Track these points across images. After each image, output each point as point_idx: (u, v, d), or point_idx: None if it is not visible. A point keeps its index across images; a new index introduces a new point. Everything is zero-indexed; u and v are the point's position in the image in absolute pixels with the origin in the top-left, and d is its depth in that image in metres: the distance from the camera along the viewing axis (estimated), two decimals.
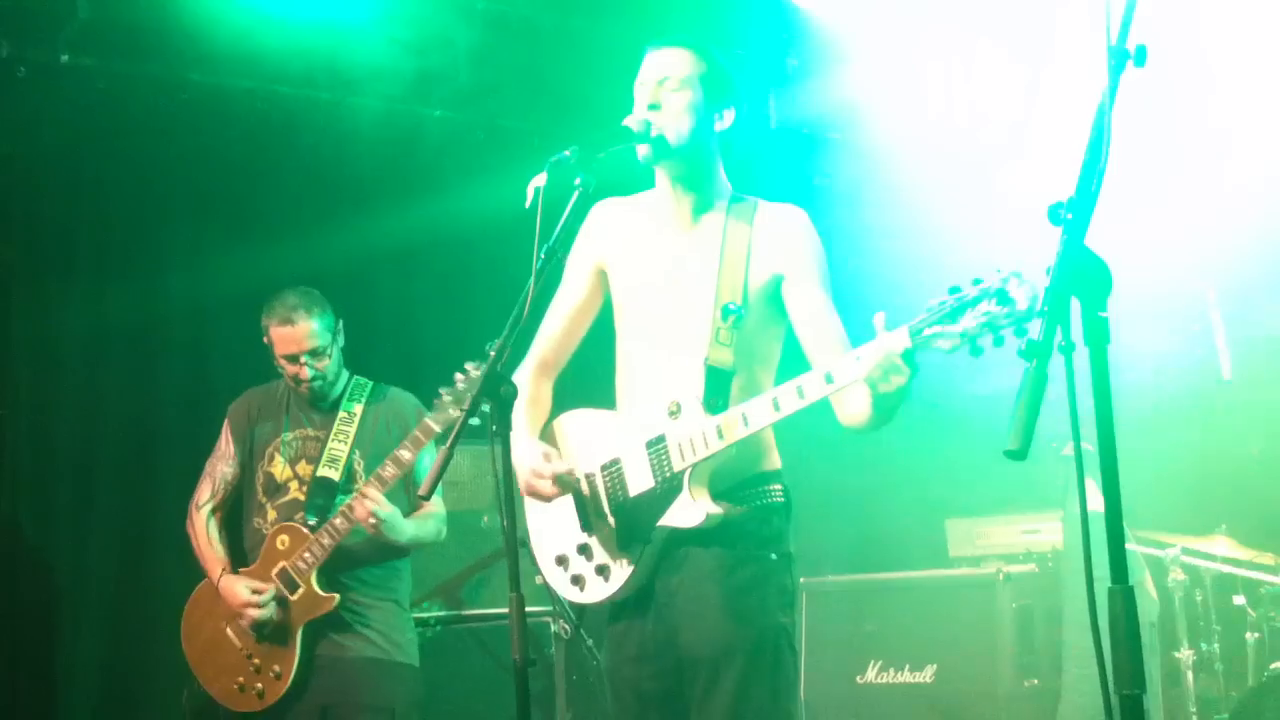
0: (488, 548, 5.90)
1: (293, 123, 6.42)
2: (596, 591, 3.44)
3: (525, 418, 3.58)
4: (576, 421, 3.60)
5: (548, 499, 3.43)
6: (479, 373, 4.45)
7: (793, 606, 3.44)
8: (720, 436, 3.22)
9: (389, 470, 4.71)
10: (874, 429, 3.22)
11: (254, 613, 4.80)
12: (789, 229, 3.45)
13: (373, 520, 4.67)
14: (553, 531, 3.56)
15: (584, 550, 3.47)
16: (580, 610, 3.60)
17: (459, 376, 4.63)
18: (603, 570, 3.43)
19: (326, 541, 4.75)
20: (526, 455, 3.44)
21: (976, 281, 2.76)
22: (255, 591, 4.81)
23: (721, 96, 3.50)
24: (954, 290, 2.80)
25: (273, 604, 4.81)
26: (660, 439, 3.33)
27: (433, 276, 6.88)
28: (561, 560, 3.52)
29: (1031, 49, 6.66)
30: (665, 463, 3.31)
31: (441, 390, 4.67)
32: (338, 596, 4.79)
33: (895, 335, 2.92)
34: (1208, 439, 6.46)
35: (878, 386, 2.97)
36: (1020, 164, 6.39)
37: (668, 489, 3.31)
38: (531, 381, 3.63)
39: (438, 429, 4.67)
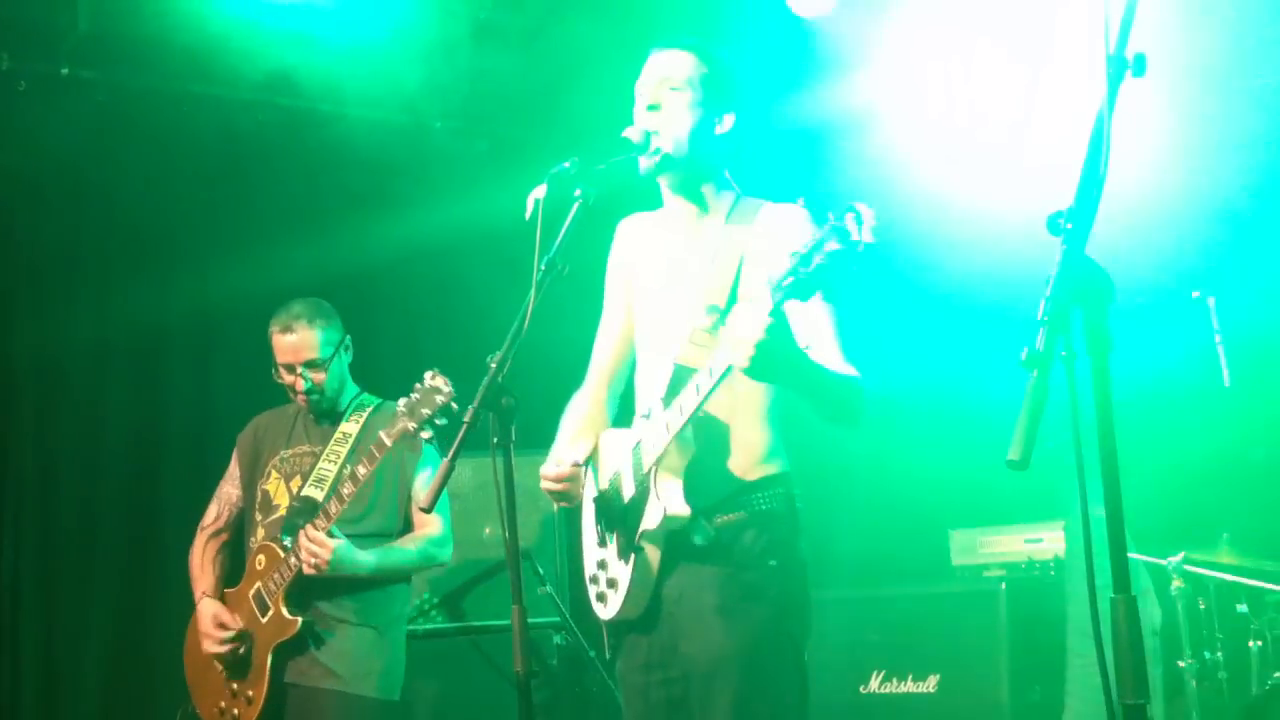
0: (490, 559, 5.89)
1: (294, 135, 6.43)
2: (613, 605, 3.43)
3: (564, 425, 3.65)
4: (607, 438, 3.61)
5: (563, 501, 3.48)
6: (435, 383, 4.28)
7: (799, 614, 3.37)
8: (667, 430, 3.22)
9: (347, 488, 4.55)
10: (825, 416, 3.23)
11: (211, 646, 4.73)
12: (787, 227, 3.39)
13: (313, 560, 4.52)
14: (587, 550, 3.59)
15: (602, 565, 3.48)
16: (613, 627, 3.55)
17: (416, 386, 4.35)
18: (613, 584, 3.43)
19: (293, 563, 4.60)
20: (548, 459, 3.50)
21: (820, 223, 2.75)
22: (221, 625, 4.74)
23: (722, 100, 3.49)
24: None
25: (239, 636, 4.73)
26: (638, 444, 3.35)
27: (434, 287, 6.89)
28: (593, 579, 3.53)
29: (1031, 49, 6.65)
30: (639, 467, 3.32)
31: (400, 401, 4.39)
32: (300, 620, 4.62)
33: (760, 292, 2.89)
34: (1209, 447, 6.45)
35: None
36: (1020, 164, 6.38)
37: (642, 492, 3.31)
38: (587, 397, 3.70)
39: (389, 442, 4.46)
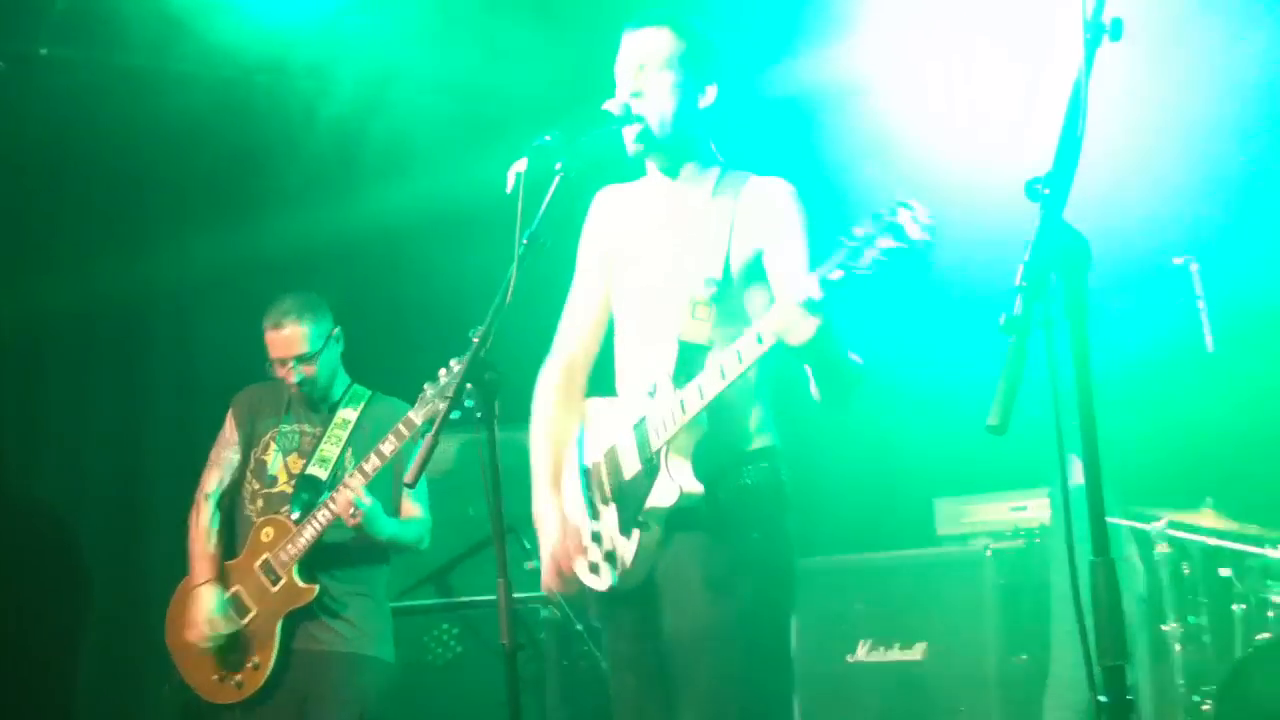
0: (476, 535, 5.90)
1: (274, 110, 6.41)
2: (608, 577, 3.45)
3: (545, 445, 3.62)
4: (595, 408, 3.61)
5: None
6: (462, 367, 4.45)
7: (784, 585, 3.39)
8: (683, 410, 3.22)
9: (371, 463, 4.74)
10: (829, 399, 3.21)
11: (192, 636, 4.86)
12: (771, 200, 3.41)
13: (353, 510, 4.71)
14: (575, 521, 3.58)
15: (596, 538, 3.48)
16: (602, 597, 3.57)
17: (442, 371, 4.63)
18: (610, 556, 3.44)
19: (309, 534, 4.81)
20: (546, 519, 3.53)
21: (874, 217, 2.74)
22: (212, 625, 4.85)
23: (703, 74, 3.48)
24: (853, 231, 2.79)
25: (226, 623, 4.85)
26: (642, 421, 3.34)
27: (416, 262, 6.87)
28: (582, 549, 3.53)
29: (1031, 49, 6.64)
30: (646, 444, 3.32)
31: (425, 385, 4.68)
32: (317, 588, 4.83)
33: (806, 281, 2.90)
34: (1192, 412, 6.47)
35: (790, 338, 2.95)
36: (1020, 163, 6.37)
37: (649, 470, 3.32)
38: (557, 389, 3.65)
39: (419, 422, 4.68)
